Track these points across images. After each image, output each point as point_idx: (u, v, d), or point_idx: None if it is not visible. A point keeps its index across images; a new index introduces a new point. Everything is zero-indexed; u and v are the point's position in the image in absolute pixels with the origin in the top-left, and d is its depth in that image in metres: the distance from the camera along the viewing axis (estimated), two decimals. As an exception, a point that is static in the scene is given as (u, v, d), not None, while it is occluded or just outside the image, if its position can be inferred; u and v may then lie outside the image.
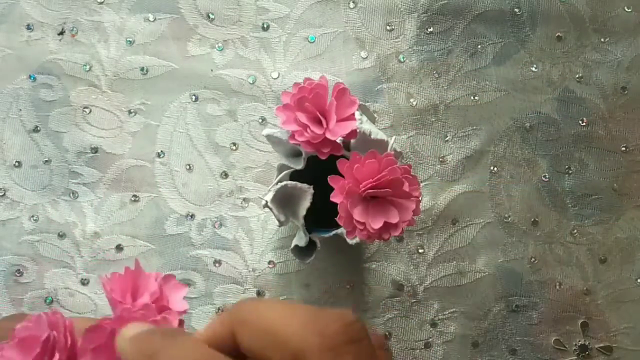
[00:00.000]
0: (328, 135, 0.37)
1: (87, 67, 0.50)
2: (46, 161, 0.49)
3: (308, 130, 0.37)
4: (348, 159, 0.36)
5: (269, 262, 0.49)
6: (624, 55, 0.52)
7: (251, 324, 0.20)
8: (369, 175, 0.35)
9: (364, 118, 0.39)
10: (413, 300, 0.50)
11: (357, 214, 0.36)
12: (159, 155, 0.50)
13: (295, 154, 0.42)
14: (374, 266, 0.50)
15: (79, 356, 0.22)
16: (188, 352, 0.19)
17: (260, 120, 0.50)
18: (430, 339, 0.50)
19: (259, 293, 0.49)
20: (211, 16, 0.50)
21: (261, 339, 0.20)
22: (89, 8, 0.50)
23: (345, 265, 0.50)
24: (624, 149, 0.52)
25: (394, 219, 0.36)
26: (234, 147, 0.50)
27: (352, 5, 0.51)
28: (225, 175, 0.50)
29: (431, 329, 0.50)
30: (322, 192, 0.38)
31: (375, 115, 0.50)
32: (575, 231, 0.51)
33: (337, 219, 0.36)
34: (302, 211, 0.39)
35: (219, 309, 0.49)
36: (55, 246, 0.49)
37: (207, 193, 0.50)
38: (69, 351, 0.23)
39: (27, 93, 0.49)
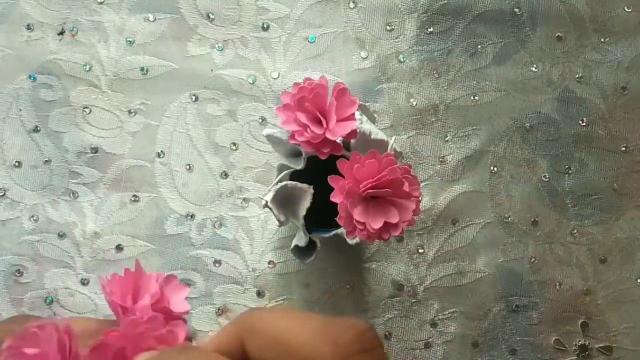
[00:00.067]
0: (328, 135, 0.37)
1: (87, 67, 0.50)
2: (46, 161, 0.49)
3: (308, 130, 0.37)
4: (348, 159, 0.36)
5: (269, 262, 0.49)
6: (624, 55, 0.52)
7: (260, 333, 0.20)
8: (369, 175, 0.35)
9: (364, 118, 0.39)
10: (413, 300, 0.50)
11: (357, 214, 0.36)
12: (159, 155, 0.50)
13: (295, 154, 0.42)
14: (374, 266, 0.50)
15: None
16: (198, 354, 0.19)
17: (260, 120, 0.50)
18: (430, 339, 0.50)
19: (259, 293, 0.49)
20: (211, 16, 0.50)
21: (271, 348, 0.19)
22: (89, 8, 0.50)
23: (345, 265, 0.50)
24: (624, 149, 0.52)
25: (394, 219, 0.36)
26: (234, 147, 0.50)
27: (352, 5, 0.51)
28: (225, 175, 0.50)
29: (431, 329, 0.50)
30: (322, 192, 0.38)
31: (375, 115, 0.50)
32: (575, 231, 0.51)
33: (337, 219, 0.36)
34: (302, 211, 0.39)
35: (219, 309, 0.49)
36: (55, 246, 0.49)
37: (207, 193, 0.50)
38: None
39: (27, 93, 0.49)
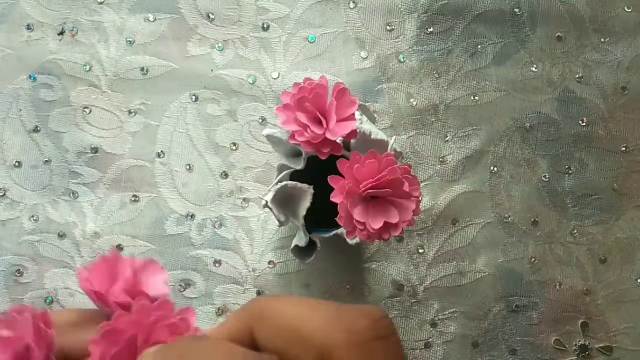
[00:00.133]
0: (328, 135, 0.37)
1: (87, 67, 0.50)
2: (46, 161, 0.49)
3: (308, 130, 0.37)
4: (348, 159, 0.36)
5: (269, 262, 0.49)
6: (624, 55, 0.52)
7: (270, 321, 0.19)
8: (369, 175, 0.35)
9: (364, 118, 0.39)
10: (413, 300, 0.50)
11: (357, 214, 0.36)
12: (159, 155, 0.50)
13: (295, 154, 0.42)
14: (374, 266, 0.50)
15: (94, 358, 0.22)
16: (215, 351, 0.19)
17: (260, 120, 0.50)
18: (430, 339, 0.50)
19: (259, 293, 0.49)
20: (211, 16, 0.50)
21: (281, 335, 0.19)
22: (89, 8, 0.50)
23: (345, 265, 0.50)
24: (624, 149, 0.52)
25: (394, 219, 0.36)
26: (234, 147, 0.50)
27: (352, 5, 0.51)
28: (225, 175, 0.50)
29: (431, 329, 0.50)
30: (322, 192, 0.38)
31: (375, 115, 0.50)
32: (575, 231, 0.51)
33: (337, 219, 0.36)
34: (302, 211, 0.39)
35: (219, 309, 0.49)
36: (55, 246, 0.49)
37: (207, 193, 0.50)
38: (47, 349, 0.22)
39: (27, 93, 0.49)
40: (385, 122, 0.50)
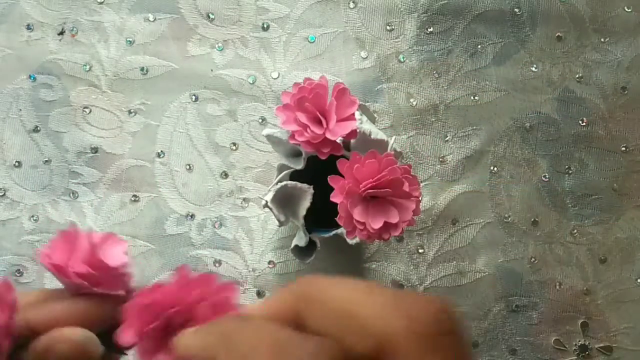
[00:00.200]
0: (328, 135, 0.37)
1: (87, 67, 0.50)
2: (46, 161, 0.49)
3: (308, 130, 0.37)
4: (348, 159, 0.36)
5: (269, 262, 0.49)
6: (624, 55, 0.52)
7: (322, 305, 0.18)
8: (369, 175, 0.35)
9: (364, 118, 0.39)
10: (413, 300, 0.50)
11: (357, 214, 0.36)
12: (159, 155, 0.50)
13: (295, 154, 0.42)
14: (374, 266, 0.50)
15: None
16: (260, 333, 0.17)
17: (260, 120, 0.50)
18: (430, 339, 0.50)
19: (259, 293, 0.49)
20: (211, 16, 0.50)
21: (334, 321, 0.17)
22: (89, 8, 0.50)
23: (345, 265, 0.50)
24: (624, 149, 0.52)
25: (394, 219, 0.36)
26: (234, 147, 0.50)
27: (352, 5, 0.51)
28: (225, 175, 0.50)
29: (431, 329, 0.50)
30: (322, 192, 0.38)
31: (375, 115, 0.50)
32: (575, 231, 0.51)
33: (337, 219, 0.36)
34: (302, 211, 0.39)
35: (219, 309, 0.49)
36: (55, 246, 0.49)
37: (207, 193, 0.50)
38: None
39: (27, 93, 0.49)
40: (385, 122, 0.50)
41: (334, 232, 0.41)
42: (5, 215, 0.49)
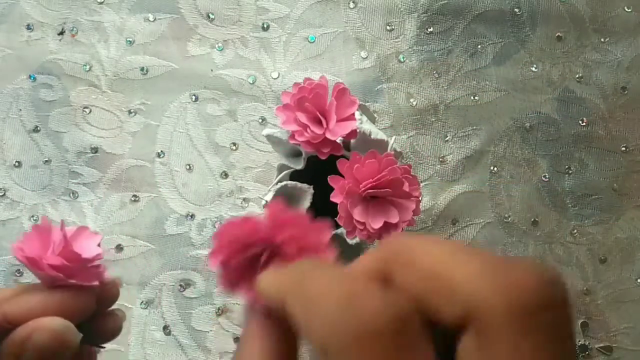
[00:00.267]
0: (328, 135, 0.37)
1: (87, 67, 0.50)
2: (46, 161, 0.49)
3: (308, 130, 0.37)
4: (348, 159, 0.36)
5: (269, 262, 0.49)
6: (624, 55, 0.52)
7: (410, 263, 0.16)
8: (369, 175, 0.35)
9: (364, 118, 0.39)
10: (413, 300, 0.50)
11: (357, 214, 0.36)
12: (159, 155, 0.50)
13: (295, 154, 0.42)
14: (374, 266, 0.50)
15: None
16: (335, 279, 0.16)
17: (260, 120, 0.50)
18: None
19: (259, 293, 0.49)
20: (211, 16, 0.50)
21: (422, 282, 0.16)
22: (89, 8, 0.50)
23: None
24: (624, 149, 0.52)
25: (394, 219, 0.36)
26: (234, 147, 0.50)
27: (352, 5, 0.51)
28: (225, 175, 0.50)
29: (431, 329, 0.50)
30: (322, 192, 0.38)
31: (375, 115, 0.50)
32: (575, 231, 0.51)
33: (337, 219, 0.36)
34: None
35: (219, 309, 0.49)
36: (55, 246, 0.49)
37: (207, 193, 0.50)
38: None
39: (27, 93, 0.49)
40: (385, 122, 0.50)
41: (334, 232, 0.41)
42: (5, 215, 0.49)
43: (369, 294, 0.15)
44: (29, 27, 0.50)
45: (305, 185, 0.39)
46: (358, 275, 0.16)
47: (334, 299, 0.15)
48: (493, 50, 0.51)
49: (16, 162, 0.49)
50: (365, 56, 0.51)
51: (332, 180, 0.36)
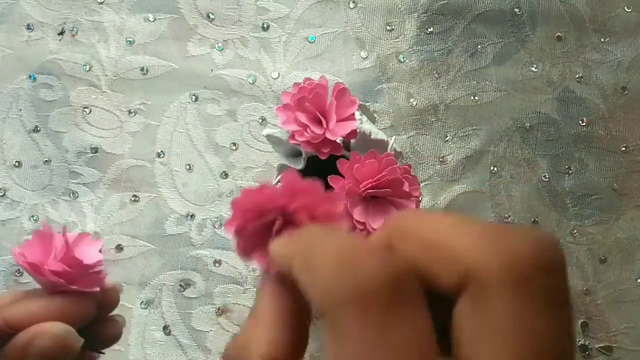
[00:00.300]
0: (328, 135, 0.37)
1: (87, 67, 0.50)
2: (46, 161, 0.49)
3: (308, 130, 0.37)
4: (348, 159, 0.36)
5: (269, 262, 0.49)
6: (624, 55, 0.52)
7: (412, 235, 0.16)
8: (369, 175, 0.35)
9: (364, 118, 0.39)
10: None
11: (357, 214, 0.36)
12: (159, 155, 0.50)
13: (295, 154, 0.42)
14: (374, 266, 0.50)
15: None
16: (339, 241, 0.16)
17: (260, 120, 0.50)
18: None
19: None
20: (211, 16, 0.50)
21: (423, 251, 0.16)
22: (89, 8, 0.50)
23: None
24: (624, 149, 0.52)
25: (394, 219, 0.36)
26: (234, 147, 0.50)
27: (352, 5, 0.51)
28: (225, 175, 0.50)
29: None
30: (322, 192, 0.38)
31: (375, 115, 0.50)
32: (575, 231, 0.51)
33: (337, 219, 0.36)
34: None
35: (219, 309, 0.49)
36: (55, 246, 0.49)
37: (207, 193, 0.50)
38: None
39: (27, 93, 0.49)
40: (385, 122, 0.50)
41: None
42: (5, 215, 0.49)
43: (367, 256, 0.15)
44: (29, 27, 0.50)
45: (305, 185, 0.39)
46: (360, 241, 0.17)
47: (334, 261, 0.15)
48: (493, 50, 0.51)
49: (16, 162, 0.49)
50: (365, 56, 0.51)
51: (332, 180, 0.36)
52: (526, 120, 0.51)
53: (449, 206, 0.50)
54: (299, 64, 0.50)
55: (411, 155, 0.51)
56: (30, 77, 0.49)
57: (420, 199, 0.36)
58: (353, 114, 0.37)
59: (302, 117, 0.37)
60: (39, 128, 0.49)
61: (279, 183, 0.39)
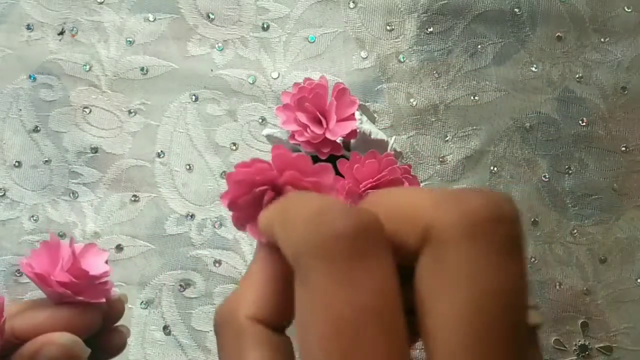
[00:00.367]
0: (328, 135, 0.37)
1: (87, 67, 0.50)
2: (46, 161, 0.49)
3: (308, 130, 0.37)
4: (348, 159, 0.36)
5: (269, 262, 0.49)
6: (624, 55, 0.52)
7: (381, 203, 0.17)
8: (369, 176, 0.35)
9: (364, 118, 0.39)
10: (413, 300, 0.50)
11: (357, 214, 0.35)
12: (159, 155, 0.50)
13: (295, 154, 0.42)
14: (374, 266, 0.50)
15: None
16: (312, 201, 0.17)
17: (260, 120, 0.50)
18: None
19: (259, 293, 0.49)
20: (211, 16, 0.50)
21: (389, 217, 0.16)
22: (89, 8, 0.50)
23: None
24: (624, 149, 0.52)
25: (394, 219, 0.36)
26: (234, 147, 0.50)
27: (352, 5, 0.51)
28: (225, 175, 0.50)
29: (431, 329, 0.50)
30: (322, 192, 0.38)
31: (375, 115, 0.50)
32: (575, 231, 0.51)
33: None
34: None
35: (219, 309, 0.49)
36: (55, 246, 0.49)
37: (207, 193, 0.50)
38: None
39: (27, 93, 0.49)
40: (385, 122, 0.50)
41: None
42: (5, 215, 0.49)
43: (334, 211, 0.16)
44: (29, 27, 0.50)
45: (305, 185, 0.39)
46: (333, 199, 0.17)
47: (304, 217, 0.16)
48: (493, 50, 0.51)
49: (16, 162, 0.49)
50: (365, 56, 0.51)
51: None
52: (526, 120, 0.51)
53: (449, 206, 0.50)
54: (299, 64, 0.50)
55: (411, 155, 0.51)
56: (30, 77, 0.50)
57: (420, 199, 0.36)
58: (353, 114, 0.37)
59: (302, 117, 0.37)
60: (39, 128, 0.49)
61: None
